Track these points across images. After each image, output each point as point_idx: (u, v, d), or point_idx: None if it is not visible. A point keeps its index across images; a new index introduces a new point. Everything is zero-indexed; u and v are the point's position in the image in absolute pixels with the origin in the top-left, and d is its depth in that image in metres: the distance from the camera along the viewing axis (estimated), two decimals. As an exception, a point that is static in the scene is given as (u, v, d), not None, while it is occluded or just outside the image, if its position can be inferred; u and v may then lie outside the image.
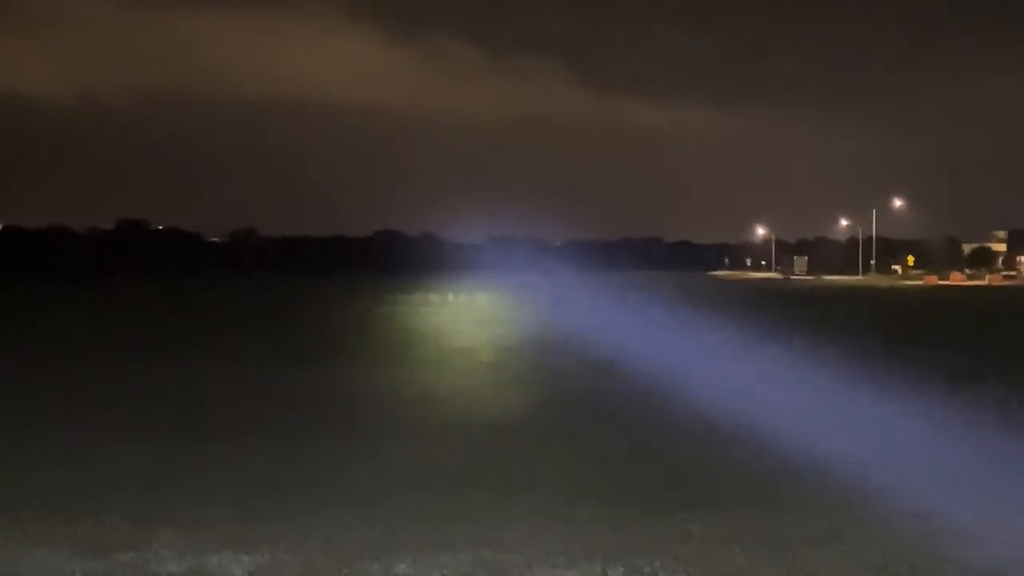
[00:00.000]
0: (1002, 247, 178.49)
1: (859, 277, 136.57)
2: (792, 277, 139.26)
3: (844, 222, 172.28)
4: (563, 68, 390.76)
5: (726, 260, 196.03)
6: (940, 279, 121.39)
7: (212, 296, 61.93)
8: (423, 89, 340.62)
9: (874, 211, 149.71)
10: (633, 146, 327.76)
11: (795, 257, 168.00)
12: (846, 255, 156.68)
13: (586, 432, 13.72)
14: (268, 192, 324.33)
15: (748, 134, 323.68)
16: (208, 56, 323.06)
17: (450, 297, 56.79)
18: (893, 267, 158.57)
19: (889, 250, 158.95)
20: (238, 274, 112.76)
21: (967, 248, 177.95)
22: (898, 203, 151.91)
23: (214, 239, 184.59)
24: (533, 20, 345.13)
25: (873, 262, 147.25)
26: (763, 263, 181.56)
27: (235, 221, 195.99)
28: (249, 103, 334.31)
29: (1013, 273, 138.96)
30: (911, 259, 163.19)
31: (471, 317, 40.53)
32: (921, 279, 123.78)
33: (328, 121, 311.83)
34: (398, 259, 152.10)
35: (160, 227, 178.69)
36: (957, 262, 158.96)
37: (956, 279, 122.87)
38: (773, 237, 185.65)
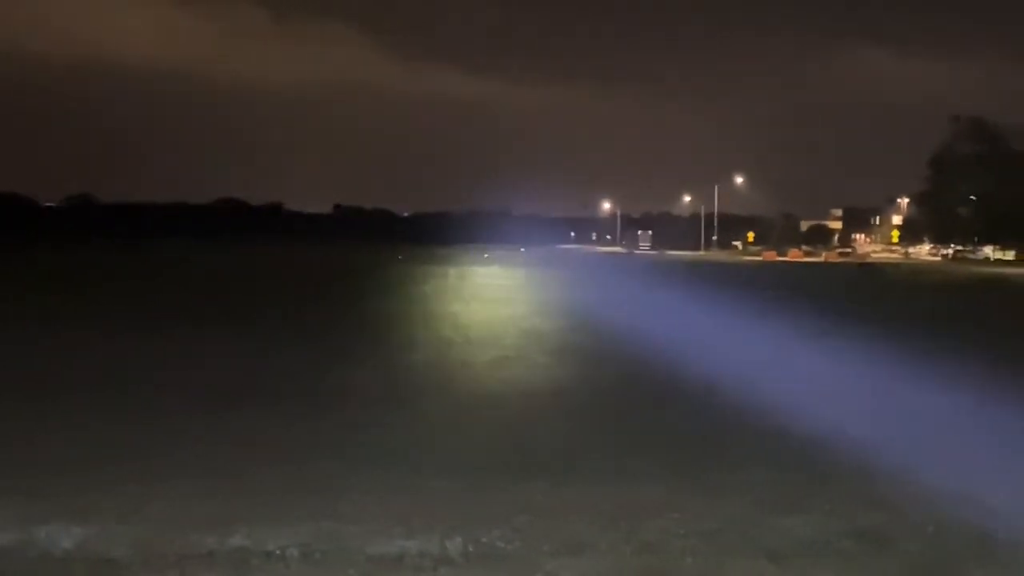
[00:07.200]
0: (838, 224, 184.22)
1: (701, 252, 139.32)
2: (635, 251, 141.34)
3: (687, 198, 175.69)
4: (354, 33, 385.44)
5: (572, 234, 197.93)
6: (779, 255, 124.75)
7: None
8: (216, 52, 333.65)
9: (716, 188, 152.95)
10: (461, 117, 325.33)
11: (639, 232, 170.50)
12: (689, 230, 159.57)
13: (436, 402, 13.72)
14: (97, 157, 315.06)
15: (590, 110, 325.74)
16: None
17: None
18: (734, 243, 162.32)
19: (731, 226, 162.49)
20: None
21: (805, 225, 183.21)
22: (739, 180, 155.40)
23: (49, 204, 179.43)
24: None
25: (715, 238, 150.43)
26: (608, 237, 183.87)
27: (70, 186, 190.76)
28: (47, 62, 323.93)
29: (848, 250, 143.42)
30: (751, 235, 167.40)
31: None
32: (759, 255, 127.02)
33: (125, 83, 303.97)
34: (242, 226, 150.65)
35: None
36: (796, 238, 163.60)
37: (794, 255, 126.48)
38: (618, 212, 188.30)
